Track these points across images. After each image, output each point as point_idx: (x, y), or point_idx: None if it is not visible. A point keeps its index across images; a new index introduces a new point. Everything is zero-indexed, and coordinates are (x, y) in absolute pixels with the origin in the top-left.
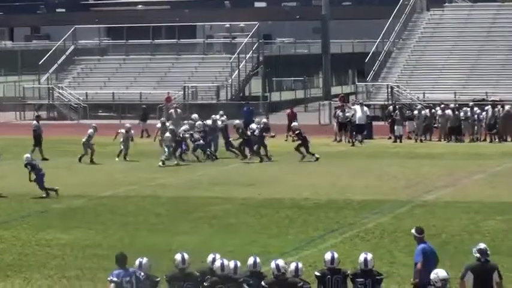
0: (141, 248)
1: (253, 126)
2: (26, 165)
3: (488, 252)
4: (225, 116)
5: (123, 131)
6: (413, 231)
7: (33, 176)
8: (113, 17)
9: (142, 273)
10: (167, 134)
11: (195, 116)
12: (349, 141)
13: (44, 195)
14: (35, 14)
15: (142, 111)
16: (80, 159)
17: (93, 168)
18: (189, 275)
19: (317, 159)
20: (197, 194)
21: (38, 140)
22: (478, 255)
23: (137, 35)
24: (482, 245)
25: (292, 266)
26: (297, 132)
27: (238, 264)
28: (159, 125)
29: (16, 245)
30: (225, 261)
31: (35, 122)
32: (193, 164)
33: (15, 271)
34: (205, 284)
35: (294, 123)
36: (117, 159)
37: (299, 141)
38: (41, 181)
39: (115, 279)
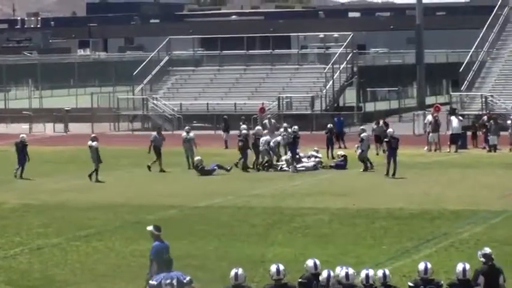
0: (236, 258)
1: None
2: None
3: (493, 256)
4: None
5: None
6: (151, 228)
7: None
8: (206, 27)
9: (187, 278)
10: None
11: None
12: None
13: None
14: (129, 25)
15: (224, 122)
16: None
17: (187, 179)
18: (286, 286)
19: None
20: (291, 204)
21: (157, 152)
22: (483, 259)
23: (231, 45)
24: (487, 250)
25: (379, 273)
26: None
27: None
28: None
29: (110, 256)
30: (350, 270)
31: (154, 133)
32: (287, 174)
33: (109, 282)
34: None
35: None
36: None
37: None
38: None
39: (154, 282)
